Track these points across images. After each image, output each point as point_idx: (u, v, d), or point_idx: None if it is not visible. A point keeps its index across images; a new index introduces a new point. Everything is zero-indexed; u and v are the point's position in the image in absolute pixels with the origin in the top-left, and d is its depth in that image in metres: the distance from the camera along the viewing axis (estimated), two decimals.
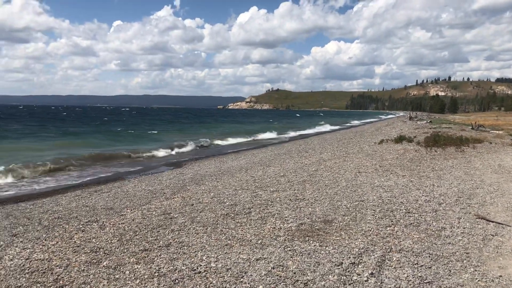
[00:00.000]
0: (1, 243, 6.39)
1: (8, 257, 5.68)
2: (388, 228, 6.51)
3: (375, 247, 5.67)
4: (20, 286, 4.67)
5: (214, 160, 18.15)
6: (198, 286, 4.48)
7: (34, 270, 5.12)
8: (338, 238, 6.04)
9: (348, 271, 4.85)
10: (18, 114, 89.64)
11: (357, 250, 5.55)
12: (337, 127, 55.92)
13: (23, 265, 5.32)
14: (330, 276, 4.70)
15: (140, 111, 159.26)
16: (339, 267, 4.97)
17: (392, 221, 6.91)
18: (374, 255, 5.35)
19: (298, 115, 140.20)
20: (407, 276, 4.71)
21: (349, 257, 5.28)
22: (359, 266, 5.02)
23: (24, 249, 6.02)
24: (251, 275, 4.75)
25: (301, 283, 4.53)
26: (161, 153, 22.56)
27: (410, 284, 4.51)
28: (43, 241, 6.38)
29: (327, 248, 5.64)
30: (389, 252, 5.49)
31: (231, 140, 31.92)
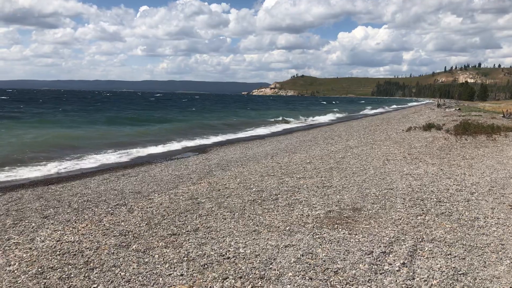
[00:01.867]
0: (33, 224, 6.52)
1: (40, 238, 5.78)
2: (418, 217, 6.36)
3: (406, 236, 5.55)
4: (52, 267, 4.73)
5: (239, 146, 18.14)
6: (227, 272, 4.45)
7: (65, 252, 5.19)
8: (367, 227, 5.93)
9: (379, 260, 4.75)
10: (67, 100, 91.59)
11: (387, 239, 5.44)
12: (381, 110, 63.56)
13: (54, 247, 5.39)
14: (360, 265, 4.61)
15: (187, 98, 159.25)
16: (369, 256, 4.88)
17: (422, 210, 6.76)
18: (405, 245, 5.23)
19: (337, 102, 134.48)
20: (440, 267, 4.58)
21: (380, 246, 5.17)
22: (390, 255, 4.91)
23: (55, 231, 6.11)
24: (280, 261, 4.70)
25: (331, 271, 4.45)
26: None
27: (443, 275, 4.38)
28: (73, 223, 6.47)
29: (356, 236, 5.54)
30: (420, 241, 5.36)
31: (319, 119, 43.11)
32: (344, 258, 4.81)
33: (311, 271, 4.45)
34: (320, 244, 5.23)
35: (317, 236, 5.53)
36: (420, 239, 5.45)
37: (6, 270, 4.68)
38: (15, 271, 4.64)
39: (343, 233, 5.64)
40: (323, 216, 6.42)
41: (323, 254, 4.90)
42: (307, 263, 4.66)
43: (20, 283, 4.35)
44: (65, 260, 4.94)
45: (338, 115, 51.53)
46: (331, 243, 5.27)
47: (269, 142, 19.31)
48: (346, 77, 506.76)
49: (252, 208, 6.96)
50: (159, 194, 8.32)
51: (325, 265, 4.61)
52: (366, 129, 23.84)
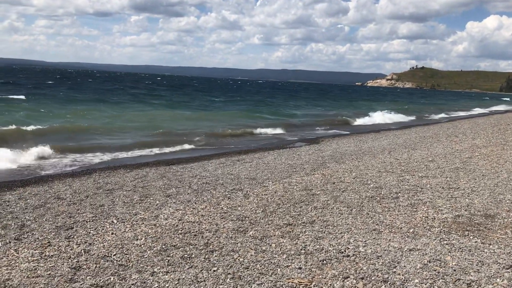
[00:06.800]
0: (157, 202, 6.88)
1: (163, 216, 6.08)
2: None
3: None
4: (174, 245, 4.92)
5: (353, 139, 17.59)
6: (347, 271, 4.24)
7: (186, 232, 5.38)
8: (503, 237, 5.31)
9: None
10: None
11: None
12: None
13: (177, 225, 5.63)
14: (498, 280, 4.10)
15: (315, 87, 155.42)
16: (508, 270, 4.33)
17: None
18: None
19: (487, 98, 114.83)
20: None
21: None
22: None
23: (176, 210, 6.39)
24: (404, 266, 4.37)
25: (463, 282, 4.02)
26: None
27: None
28: (193, 204, 6.72)
29: (490, 246, 4.98)
30: None
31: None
32: (478, 269, 4.32)
33: (440, 280, 4.06)
34: (449, 251, 4.78)
35: (445, 242, 5.07)
36: None
37: (134, 243, 4.98)
38: (142, 246, 4.90)
39: (475, 242, 5.11)
40: (451, 220, 5.89)
41: (453, 263, 4.46)
42: (435, 270, 4.27)
43: (146, 257, 4.58)
44: (186, 239, 5.11)
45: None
46: (461, 251, 4.79)
47: (385, 136, 18.49)
48: (472, 70, 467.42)
49: (370, 205, 6.63)
50: (273, 182, 8.34)
51: (455, 275, 4.19)
52: (495, 127, 21.74)
